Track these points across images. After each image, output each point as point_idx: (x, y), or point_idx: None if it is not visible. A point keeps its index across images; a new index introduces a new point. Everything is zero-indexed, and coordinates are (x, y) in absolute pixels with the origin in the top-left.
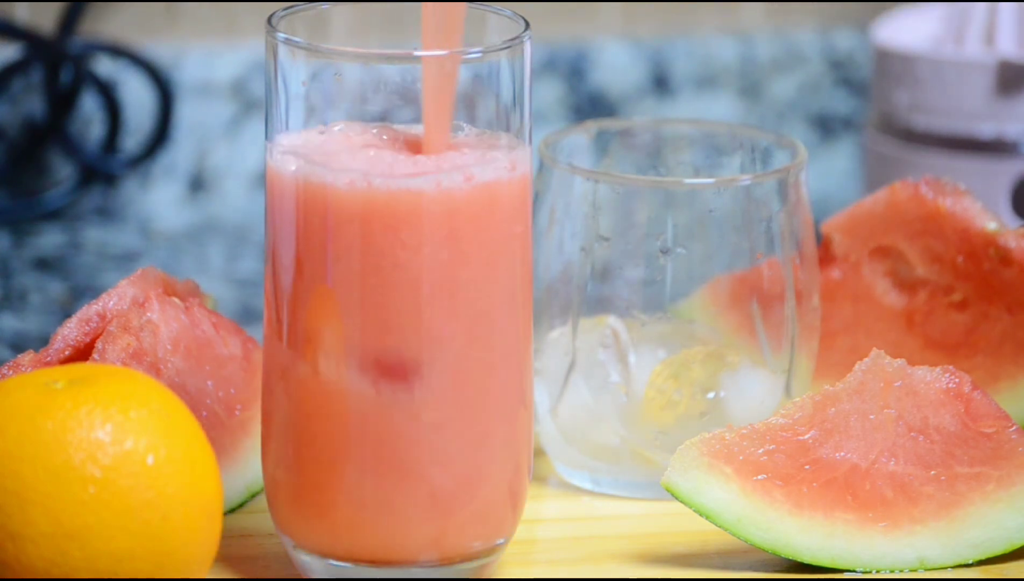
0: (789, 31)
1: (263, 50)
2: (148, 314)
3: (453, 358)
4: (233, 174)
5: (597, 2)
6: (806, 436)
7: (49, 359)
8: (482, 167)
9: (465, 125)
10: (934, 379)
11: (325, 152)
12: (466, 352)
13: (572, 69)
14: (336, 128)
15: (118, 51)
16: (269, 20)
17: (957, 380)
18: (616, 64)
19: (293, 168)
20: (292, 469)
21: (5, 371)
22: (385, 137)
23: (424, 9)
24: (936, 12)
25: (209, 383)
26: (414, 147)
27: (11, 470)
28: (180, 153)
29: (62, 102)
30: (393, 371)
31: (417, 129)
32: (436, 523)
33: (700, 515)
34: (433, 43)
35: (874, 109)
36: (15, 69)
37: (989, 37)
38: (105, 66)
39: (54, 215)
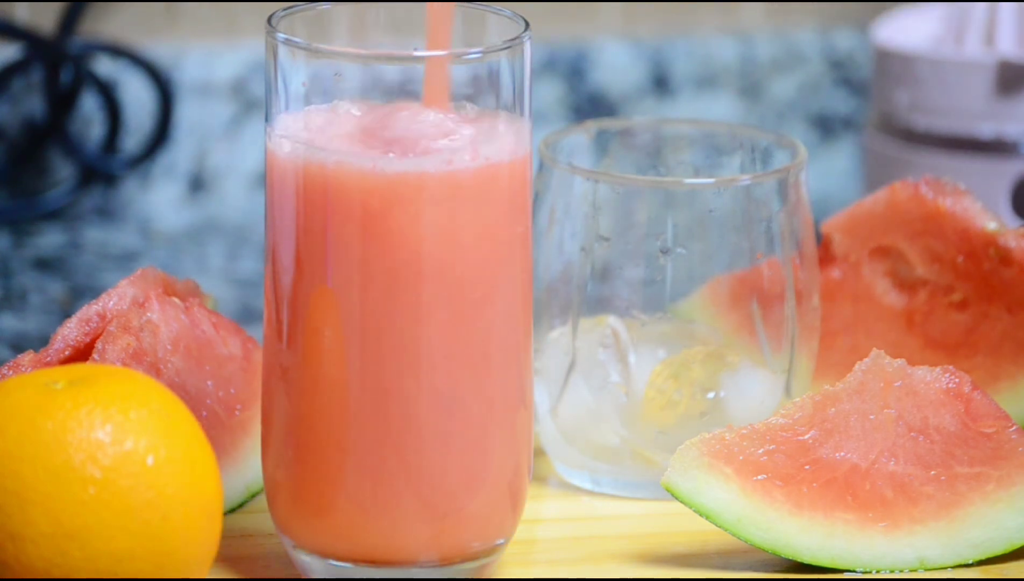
0: (789, 31)
1: (263, 50)
2: (148, 314)
3: (453, 358)
4: (233, 174)
5: (597, 2)
6: (806, 436)
7: (49, 359)
8: (487, 145)
9: (468, 104)
10: (934, 379)
11: (326, 130)
12: (466, 352)
13: (572, 69)
14: (340, 108)
15: (118, 51)
16: (269, 20)
17: (957, 380)
18: (616, 64)
19: (291, 150)
20: (292, 469)
21: (5, 371)
22: (388, 114)
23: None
24: (936, 12)
25: (209, 383)
26: (418, 124)
27: (11, 470)
28: (180, 153)
29: (62, 102)
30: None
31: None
32: (436, 523)
33: (700, 515)
34: (433, 39)
35: (874, 109)
36: (15, 69)
37: (989, 37)
38: (105, 66)
39: (54, 215)
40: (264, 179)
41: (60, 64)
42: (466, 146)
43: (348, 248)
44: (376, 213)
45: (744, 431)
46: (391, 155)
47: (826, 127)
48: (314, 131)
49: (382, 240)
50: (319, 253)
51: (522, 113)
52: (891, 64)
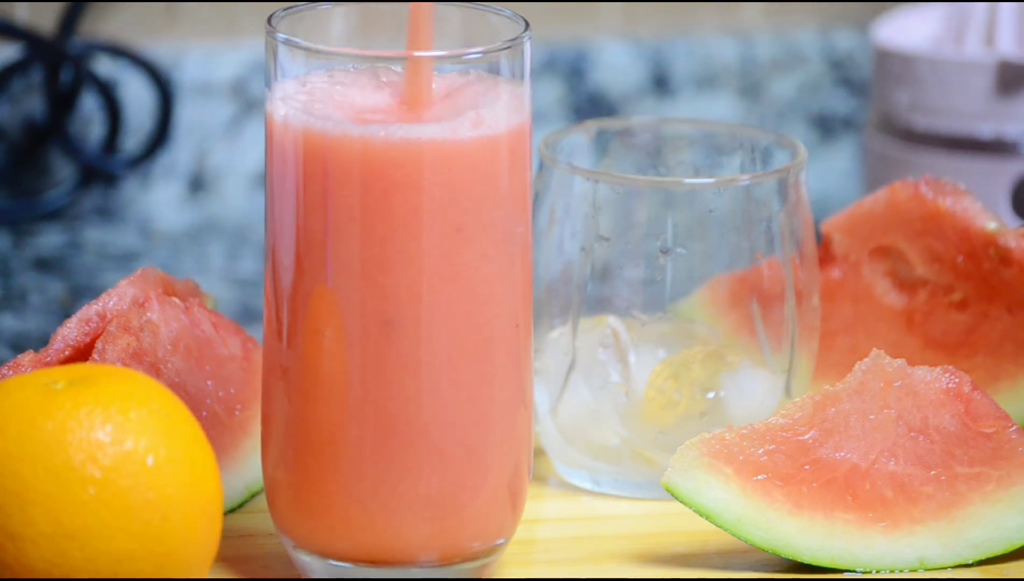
0: (789, 31)
1: (263, 50)
2: (148, 314)
3: (453, 359)
4: (233, 174)
5: (597, 2)
6: (806, 436)
7: (49, 359)
8: (488, 112)
9: (472, 70)
10: (934, 379)
11: (325, 98)
12: (466, 352)
13: (572, 69)
14: (337, 75)
15: (118, 51)
16: (269, 20)
17: (957, 380)
18: (616, 64)
19: (291, 117)
20: (292, 469)
21: (5, 371)
22: (389, 82)
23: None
24: (936, 12)
25: (209, 383)
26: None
27: (11, 470)
28: (180, 153)
29: (62, 102)
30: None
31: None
32: (436, 523)
33: (700, 515)
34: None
35: (874, 109)
36: (15, 69)
37: (989, 37)
38: (105, 66)
39: (54, 215)
40: (263, 179)
41: (60, 64)
42: (467, 113)
43: (349, 222)
44: (376, 183)
45: (744, 431)
46: (391, 123)
47: (826, 127)
48: (316, 93)
49: (383, 212)
50: (319, 235)
51: (523, 79)
52: (891, 64)
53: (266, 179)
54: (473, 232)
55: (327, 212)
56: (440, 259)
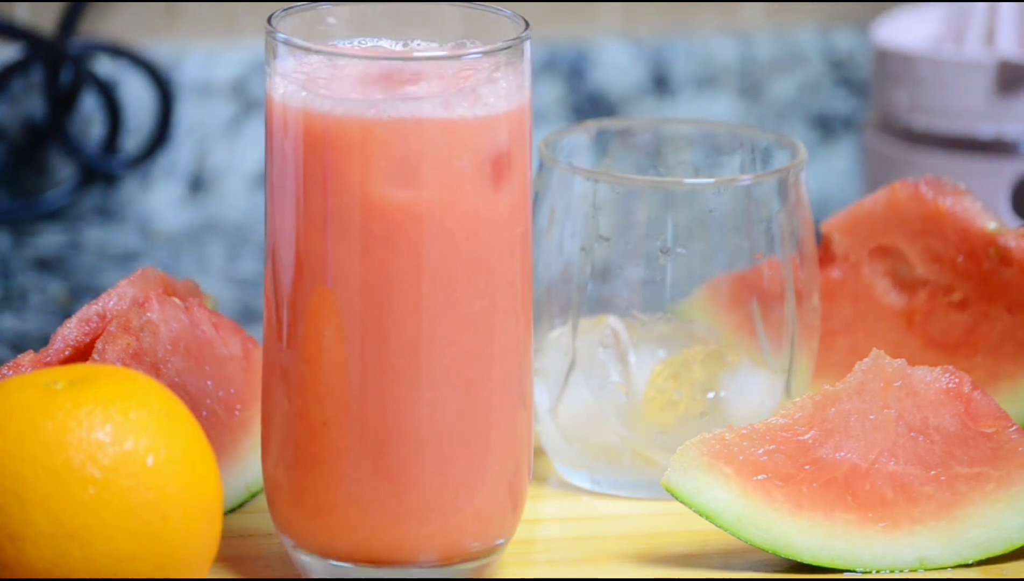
0: (789, 31)
1: (263, 50)
2: (148, 314)
3: (453, 358)
4: (233, 174)
5: (597, 2)
6: (806, 436)
7: (49, 359)
8: (489, 88)
9: (468, 41)
10: (934, 379)
11: (324, 77)
12: (466, 352)
13: (572, 69)
14: (337, 57)
15: (118, 51)
16: (269, 20)
17: (957, 380)
18: (616, 64)
19: (290, 94)
20: (292, 469)
21: (5, 371)
22: (390, 64)
23: None
24: (936, 12)
25: (209, 383)
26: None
27: (11, 470)
28: (180, 153)
29: (62, 102)
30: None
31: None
32: (436, 523)
33: (700, 515)
34: None
35: (874, 109)
36: (15, 69)
37: (989, 37)
38: (105, 66)
39: (54, 215)
40: (263, 179)
41: (60, 64)
42: (465, 91)
43: (348, 209)
44: (375, 161)
45: (744, 431)
46: (388, 100)
47: (826, 127)
48: (314, 74)
49: (382, 193)
50: (319, 217)
51: (522, 59)
52: (891, 64)
53: (266, 165)
54: (473, 222)
55: (327, 192)
56: (440, 254)
